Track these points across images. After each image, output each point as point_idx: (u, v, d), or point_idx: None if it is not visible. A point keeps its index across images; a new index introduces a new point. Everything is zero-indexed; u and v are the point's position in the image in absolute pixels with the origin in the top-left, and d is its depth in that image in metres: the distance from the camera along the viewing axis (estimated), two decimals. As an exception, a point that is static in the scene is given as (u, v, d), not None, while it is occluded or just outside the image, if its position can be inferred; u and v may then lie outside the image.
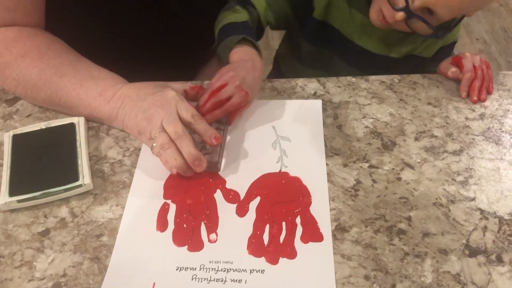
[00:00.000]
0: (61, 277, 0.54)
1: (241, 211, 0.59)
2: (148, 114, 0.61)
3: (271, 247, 0.56)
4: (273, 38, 2.16)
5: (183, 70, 0.84)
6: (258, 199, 0.61)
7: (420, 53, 0.86)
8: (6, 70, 0.68)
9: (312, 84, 0.76)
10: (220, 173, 0.64)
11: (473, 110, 0.72)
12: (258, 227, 0.58)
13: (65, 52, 0.71)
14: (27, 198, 0.59)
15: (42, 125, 0.68)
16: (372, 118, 0.71)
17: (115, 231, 0.58)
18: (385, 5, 0.73)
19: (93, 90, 0.66)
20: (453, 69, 0.76)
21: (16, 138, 0.66)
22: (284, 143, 0.67)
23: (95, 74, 0.68)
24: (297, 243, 0.56)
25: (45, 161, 0.63)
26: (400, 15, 0.70)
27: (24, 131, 0.67)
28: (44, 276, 0.54)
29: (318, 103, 0.72)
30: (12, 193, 0.60)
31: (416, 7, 0.69)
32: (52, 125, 0.68)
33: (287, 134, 0.68)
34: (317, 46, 0.88)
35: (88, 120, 0.69)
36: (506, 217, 0.59)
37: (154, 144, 0.60)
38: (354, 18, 0.83)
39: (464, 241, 0.56)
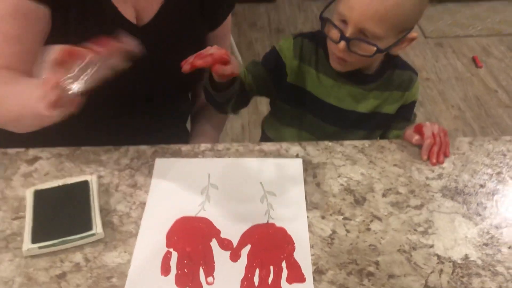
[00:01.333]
0: (77, 314, 0.62)
1: (234, 257, 0.69)
2: None
3: (261, 287, 0.65)
4: (261, 103, 2.31)
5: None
6: (248, 246, 0.70)
7: (384, 110, 1.00)
8: None
9: (295, 148, 0.88)
10: (215, 223, 0.74)
11: (433, 171, 0.84)
12: (249, 270, 0.67)
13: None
14: (47, 245, 0.68)
15: (59, 182, 0.78)
16: (346, 177, 0.82)
17: (124, 274, 0.67)
18: (332, 45, 0.87)
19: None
20: (417, 137, 0.88)
21: (37, 194, 0.76)
22: (271, 198, 0.77)
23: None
24: (283, 284, 0.65)
25: (62, 213, 0.73)
26: (342, 44, 0.84)
27: (44, 188, 0.77)
28: (61, 313, 0.62)
29: (299, 161, 0.83)
30: (34, 240, 0.69)
31: (350, 32, 0.83)
32: (68, 182, 0.78)
33: (273, 189, 0.79)
34: (293, 107, 1.01)
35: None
36: (459, 261, 0.69)
37: None
38: (322, 80, 0.97)
39: (423, 282, 0.66)
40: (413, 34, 0.88)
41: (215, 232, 0.72)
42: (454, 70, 2.88)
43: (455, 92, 2.70)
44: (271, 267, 0.68)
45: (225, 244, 0.71)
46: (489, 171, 0.84)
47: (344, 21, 0.84)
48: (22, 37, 0.84)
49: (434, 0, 3.48)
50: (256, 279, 0.66)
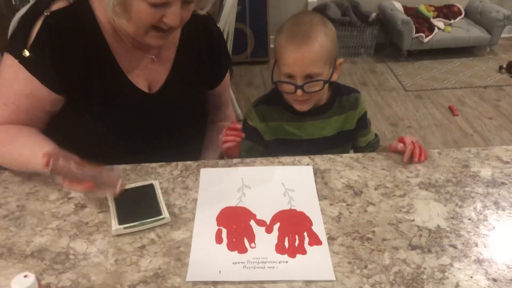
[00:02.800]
0: (157, 269, 0.86)
1: (269, 230, 0.94)
2: None
3: (290, 249, 0.89)
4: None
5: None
6: (278, 224, 0.95)
7: (346, 128, 1.30)
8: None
9: (305, 159, 1.14)
10: (251, 210, 0.99)
11: (411, 172, 1.10)
12: (280, 239, 0.92)
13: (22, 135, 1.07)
14: (130, 226, 0.93)
15: (132, 185, 1.03)
16: (346, 178, 1.08)
17: (188, 244, 0.91)
18: (291, 96, 1.17)
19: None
20: (401, 145, 1.15)
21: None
22: (291, 193, 1.03)
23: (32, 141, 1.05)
24: (306, 246, 0.90)
25: (138, 205, 0.98)
26: (299, 91, 1.14)
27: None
28: (146, 269, 0.86)
29: (310, 168, 1.10)
30: (120, 223, 0.93)
31: (299, 81, 1.14)
32: (138, 185, 1.03)
33: (292, 187, 1.04)
34: (280, 153, 1.22)
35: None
36: (433, 229, 0.94)
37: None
38: (289, 127, 1.27)
39: (408, 242, 0.91)
40: (340, 60, 1.22)
41: (252, 216, 0.97)
42: (433, 118, 3.21)
43: (435, 137, 3.01)
44: (296, 236, 0.92)
45: (260, 222, 0.96)
46: (452, 170, 1.10)
47: (290, 76, 1.16)
48: (30, 112, 1.08)
49: (411, 59, 3.88)
50: (286, 244, 0.91)
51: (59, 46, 1.04)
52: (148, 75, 1.16)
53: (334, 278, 0.83)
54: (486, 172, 1.10)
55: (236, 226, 0.95)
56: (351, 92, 1.35)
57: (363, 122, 1.37)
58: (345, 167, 1.12)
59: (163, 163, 1.13)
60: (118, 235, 0.93)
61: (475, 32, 3.81)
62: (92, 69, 1.08)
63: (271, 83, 1.23)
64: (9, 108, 1.07)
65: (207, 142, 1.35)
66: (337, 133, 1.31)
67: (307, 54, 1.12)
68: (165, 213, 0.96)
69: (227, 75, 1.34)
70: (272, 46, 3.87)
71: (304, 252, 0.89)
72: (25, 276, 0.70)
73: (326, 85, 1.22)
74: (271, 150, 1.27)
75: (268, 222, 0.96)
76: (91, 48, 1.07)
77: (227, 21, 2.44)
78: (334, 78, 1.25)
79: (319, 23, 1.15)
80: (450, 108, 3.27)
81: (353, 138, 1.37)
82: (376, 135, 1.42)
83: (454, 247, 0.90)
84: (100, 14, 1.07)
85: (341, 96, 1.32)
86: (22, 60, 1.03)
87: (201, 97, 1.29)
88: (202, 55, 1.24)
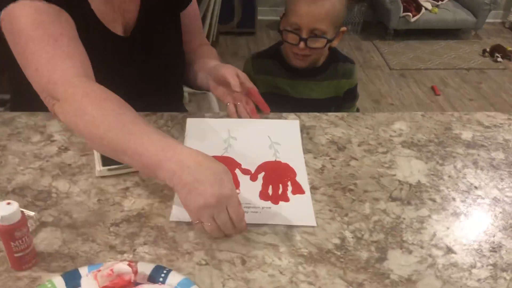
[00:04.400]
0: (141, 210, 0.86)
1: (253, 178, 0.94)
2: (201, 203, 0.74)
3: (273, 196, 0.90)
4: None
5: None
6: (263, 173, 0.96)
7: (335, 94, 1.35)
8: (88, 107, 0.84)
9: (291, 116, 1.15)
10: (236, 159, 0.99)
11: (394, 132, 1.12)
12: (264, 187, 0.92)
13: (130, 109, 0.87)
14: (114, 168, 0.92)
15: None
16: (331, 134, 1.09)
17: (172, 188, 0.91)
18: (292, 48, 1.20)
19: (157, 144, 0.78)
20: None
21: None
22: (276, 146, 1.04)
23: (156, 131, 0.83)
24: (289, 194, 0.91)
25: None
26: (301, 43, 1.18)
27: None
28: (130, 209, 0.86)
29: (296, 121, 1.10)
30: (104, 164, 0.92)
31: (304, 33, 1.17)
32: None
33: (278, 140, 1.05)
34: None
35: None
36: (414, 184, 0.96)
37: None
38: (281, 83, 1.30)
39: (388, 195, 0.93)
40: (343, 28, 1.27)
41: (237, 165, 0.98)
42: (416, 97, 3.25)
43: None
44: (280, 185, 0.93)
45: (245, 171, 0.96)
46: (434, 132, 1.12)
47: (297, 28, 1.19)
48: (76, 37, 0.96)
49: (397, 38, 3.90)
50: (270, 192, 0.91)
51: None
52: (122, 17, 1.13)
53: (315, 224, 0.85)
54: (467, 135, 1.12)
55: None
56: (347, 61, 1.38)
57: (351, 94, 1.40)
58: (330, 124, 1.13)
59: (148, 112, 1.12)
60: (102, 177, 0.93)
61: (461, 15, 3.84)
62: (71, 13, 0.99)
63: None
64: (62, 41, 0.92)
65: (195, 68, 1.26)
66: (325, 97, 1.33)
67: (318, 9, 1.18)
68: (150, 157, 0.95)
69: (195, 0, 1.28)
70: (259, 17, 3.85)
71: (287, 199, 0.90)
72: (8, 204, 0.69)
73: (326, 48, 1.24)
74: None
75: (253, 172, 0.96)
76: None
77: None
78: (335, 44, 1.29)
79: None
80: (433, 88, 3.32)
81: (338, 106, 1.39)
82: (358, 109, 1.45)
83: (433, 200, 0.92)
84: None
85: (336, 62, 1.35)
86: None
87: (176, 26, 1.24)
88: None
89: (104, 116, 0.83)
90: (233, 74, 1.07)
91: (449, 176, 0.99)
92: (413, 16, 3.74)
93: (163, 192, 0.90)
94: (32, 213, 0.82)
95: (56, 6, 0.95)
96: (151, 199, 0.88)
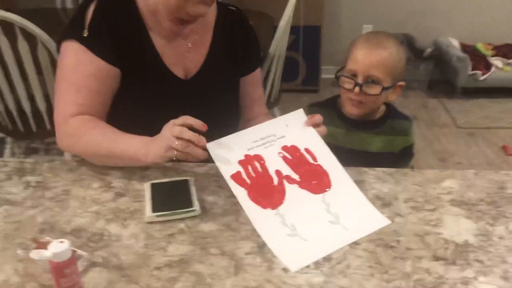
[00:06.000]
0: (183, 255, 0.90)
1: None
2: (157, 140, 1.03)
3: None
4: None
5: None
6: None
7: (390, 150, 1.33)
8: (84, 137, 1.11)
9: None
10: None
11: (444, 189, 1.09)
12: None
13: (106, 125, 1.15)
14: (162, 214, 0.98)
15: (167, 179, 1.09)
16: (377, 189, 1.09)
17: (215, 236, 0.94)
18: (348, 94, 1.22)
19: (132, 145, 1.08)
20: None
21: (153, 185, 1.06)
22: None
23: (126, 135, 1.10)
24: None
25: (172, 196, 1.03)
26: (356, 88, 1.19)
27: (158, 181, 1.08)
28: (173, 254, 0.90)
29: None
30: (154, 211, 0.98)
31: (360, 79, 1.19)
32: (174, 179, 1.09)
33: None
34: None
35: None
36: (460, 243, 0.93)
37: (177, 143, 0.97)
38: (337, 133, 1.32)
39: (433, 253, 0.90)
40: (401, 82, 1.29)
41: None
42: (485, 157, 3.12)
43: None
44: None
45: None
46: (486, 190, 1.08)
47: (354, 75, 1.22)
48: (101, 91, 1.16)
49: (466, 96, 3.81)
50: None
51: (112, 25, 1.15)
52: (184, 63, 1.24)
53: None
54: (523, 195, 1.07)
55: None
56: (404, 119, 1.38)
57: (407, 153, 1.38)
58: (377, 180, 1.13)
59: (200, 163, 1.18)
60: (150, 223, 0.98)
61: (535, 73, 3.69)
62: (133, 54, 1.18)
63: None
64: (81, 92, 1.14)
65: None
66: (379, 152, 1.33)
67: (375, 57, 1.22)
68: (196, 206, 1.00)
69: (259, 70, 1.39)
70: (323, 76, 3.93)
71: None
72: (61, 242, 0.75)
73: (381, 97, 1.25)
74: None
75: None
76: (132, 32, 1.18)
77: (278, 46, 2.52)
78: (392, 98, 1.30)
79: (395, 41, 1.27)
80: (504, 148, 3.17)
81: (392, 163, 1.37)
82: (412, 167, 1.42)
83: (481, 262, 0.88)
84: None
85: (393, 119, 1.36)
86: (83, 41, 1.13)
87: (234, 84, 1.34)
88: (236, 41, 1.31)
89: (94, 139, 1.12)
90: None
91: (500, 238, 0.94)
92: (483, 74, 3.65)
93: (205, 240, 0.94)
94: (84, 253, 0.89)
95: (102, 60, 1.14)
96: (194, 245, 0.92)
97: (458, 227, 0.97)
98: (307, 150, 1.09)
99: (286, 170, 1.05)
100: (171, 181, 1.08)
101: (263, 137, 1.08)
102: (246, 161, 1.05)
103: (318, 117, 1.12)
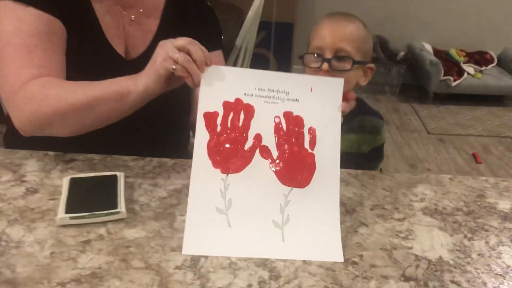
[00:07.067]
0: (96, 268, 0.72)
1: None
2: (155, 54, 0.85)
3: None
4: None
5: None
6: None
7: (358, 150, 1.17)
8: (52, 91, 0.89)
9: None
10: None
11: (416, 196, 0.95)
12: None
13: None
14: (77, 216, 0.80)
15: (92, 174, 0.91)
16: (339, 194, 0.93)
17: (141, 245, 0.77)
18: (316, 74, 1.04)
19: (118, 80, 0.89)
20: None
21: (73, 180, 0.88)
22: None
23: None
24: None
25: (93, 195, 0.85)
26: (325, 65, 1.02)
27: (79, 176, 0.90)
28: (84, 267, 0.72)
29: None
30: (67, 211, 0.80)
31: (328, 54, 1.02)
32: (100, 174, 0.91)
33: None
34: None
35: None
36: (434, 260, 0.78)
37: (178, 54, 0.82)
38: None
39: (401, 272, 0.75)
40: (371, 64, 1.11)
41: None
42: (455, 164, 3.03)
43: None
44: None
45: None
46: (463, 198, 0.95)
47: (320, 51, 1.05)
48: (56, 51, 0.97)
49: (437, 102, 3.73)
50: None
51: None
52: (126, 38, 1.06)
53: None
54: (504, 205, 0.94)
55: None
56: (375, 116, 1.22)
57: (376, 153, 1.23)
58: (340, 183, 0.97)
59: (136, 157, 1.01)
60: (63, 226, 0.80)
61: (506, 82, 3.65)
62: (72, 14, 0.99)
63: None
64: (35, 53, 0.93)
65: None
66: (346, 152, 1.16)
67: (343, 29, 1.06)
68: (122, 207, 0.83)
69: (220, 54, 1.19)
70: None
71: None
72: None
73: (353, 84, 1.10)
74: None
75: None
76: None
77: (245, 37, 2.36)
78: (363, 83, 1.13)
79: (360, 20, 1.12)
80: (474, 155, 3.09)
81: (359, 165, 1.22)
82: (380, 170, 1.29)
83: (458, 284, 0.74)
84: None
85: (364, 115, 1.19)
86: None
87: None
88: (190, 21, 1.14)
89: (66, 90, 0.90)
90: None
91: (479, 254, 0.80)
92: (455, 80, 3.58)
93: (128, 249, 0.76)
94: (-30, 263, 0.70)
95: (46, 14, 0.95)
96: (112, 256, 0.75)
97: (431, 241, 0.83)
98: (311, 130, 0.85)
99: (268, 141, 0.83)
100: (96, 176, 0.90)
101: (273, 89, 0.84)
102: (232, 107, 0.83)
103: (352, 94, 0.96)
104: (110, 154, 1.01)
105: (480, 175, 2.89)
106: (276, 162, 0.82)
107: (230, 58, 2.43)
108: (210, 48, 1.16)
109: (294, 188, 0.82)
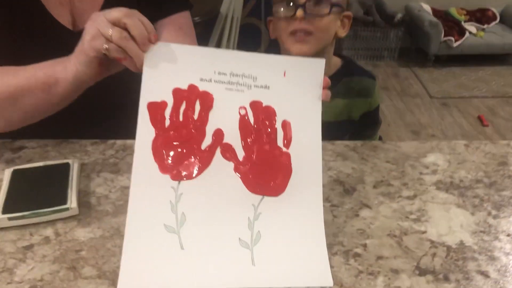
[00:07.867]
0: (37, 281, 0.58)
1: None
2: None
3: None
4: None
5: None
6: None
7: (349, 117, 1.01)
8: None
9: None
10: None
11: (427, 167, 0.80)
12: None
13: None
14: (17, 217, 0.65)
15: (40, 163, 0.76)
16: (336, 170, 0.79)
17: (94, 247, 0.63)
18: (290, 24, 0.90)
19: (44, 66, 0.74)
20: None
21: (15, 172, 0.74)
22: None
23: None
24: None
25: (38, 189, 0.70)
26: (299, 11, 0.86)
27: (23, 167, 0.75)
28: (22, 280, 0.58)
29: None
30: (5, 211, 0.66)
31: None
32: (49, 163, 0.76)
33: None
34: None
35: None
36: (454, 246, 0.64)
37: (111, 31, 0.64)
38: None
39: (415, 264, 0.61)
40: (348, 12, 0.96)
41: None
42: (460, 128, 2.89)
43: (462, 148, 2.68)
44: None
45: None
46: (483, 168, 0.80)
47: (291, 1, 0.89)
48: None
49: (438, 64, 3.56)
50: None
51: None
52: (70, 8, 0.89)
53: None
54: (532, 173, 0.79)
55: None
56: (364, 75, 1.06)
57: (370, 119, 1.07)
58: (337, 157, 0.83)
59: (96, 140, 0.86)
60: (1, 229, 0.66)
61: (510, 39, 3.47)
62: None
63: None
64: None
65: None
66: (334, 120, 1.01)
67: None
68: (72, 202, 0.68)
69: (186, 15, 1.00)
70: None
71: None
72: None
73: (331, 34, 0.94)
74: None
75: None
76: None
77: (231, 4, 2.19)
78: (342, 34, 0.97)
79: None
80: (480, 118, 2.94)
81: (353, 133, 1.07)
82: (380, 138, 1.13)
83: (486, 275, 0.60)
84: None
85: (351, 76, 1.03)
86: None
87: None
88: None
89: None
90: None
91: (509, 235, 0.66)
92: (456, 40, 3.40)
93: (78, 254, 0.62)
94: None
95: None
96: (58, 264, 0.60)
97: (449, 222, 0.68)
98: (285, 124, 0.66)
99: (232, 138, 0.65)
100: (44, 166, 0.76)
101: (237, 73, 0.66)
102: (185, 95, 0.65)
103: (327, 80, 0.71)
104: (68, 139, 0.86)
105: (488, 139, 2.75)
106: (241, 165, 0.65)
107: (215, 28, 2.26)
108: (174, 9, 0.99)
109: (265, 197, 0.64)
